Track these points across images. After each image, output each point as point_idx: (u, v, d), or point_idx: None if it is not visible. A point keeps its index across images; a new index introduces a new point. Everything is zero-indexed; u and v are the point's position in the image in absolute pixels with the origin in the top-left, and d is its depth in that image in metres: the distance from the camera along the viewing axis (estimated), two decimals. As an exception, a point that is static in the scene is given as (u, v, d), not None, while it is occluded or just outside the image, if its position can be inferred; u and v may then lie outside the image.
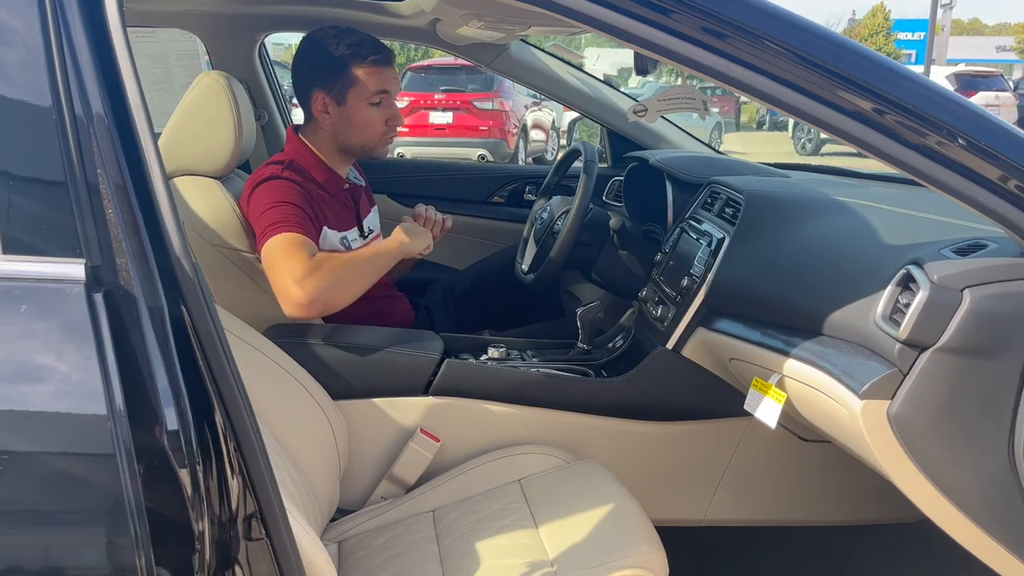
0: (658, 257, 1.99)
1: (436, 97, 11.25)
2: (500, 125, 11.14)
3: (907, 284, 1.20)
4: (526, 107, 12.12)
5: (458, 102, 11.21)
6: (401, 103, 11.10)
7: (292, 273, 1.68)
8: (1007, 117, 14.63)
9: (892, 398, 1.18)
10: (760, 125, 21.15)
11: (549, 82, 2.49)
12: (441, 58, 11.75)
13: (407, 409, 1.75)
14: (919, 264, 1.18)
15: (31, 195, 0.90)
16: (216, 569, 0.93)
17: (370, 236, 2.09)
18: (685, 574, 1.62)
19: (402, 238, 1.89)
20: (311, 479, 1.57)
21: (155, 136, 0.95)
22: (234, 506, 0.97)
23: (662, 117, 2.58)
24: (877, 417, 1.19)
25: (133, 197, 0.92)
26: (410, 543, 1.54)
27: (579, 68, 2.59)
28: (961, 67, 18.13)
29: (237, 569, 0.95)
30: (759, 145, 16.20)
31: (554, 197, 2.25)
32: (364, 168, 2.25)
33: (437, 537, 1.54)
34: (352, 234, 2.01)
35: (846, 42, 1.11)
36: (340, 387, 1.72)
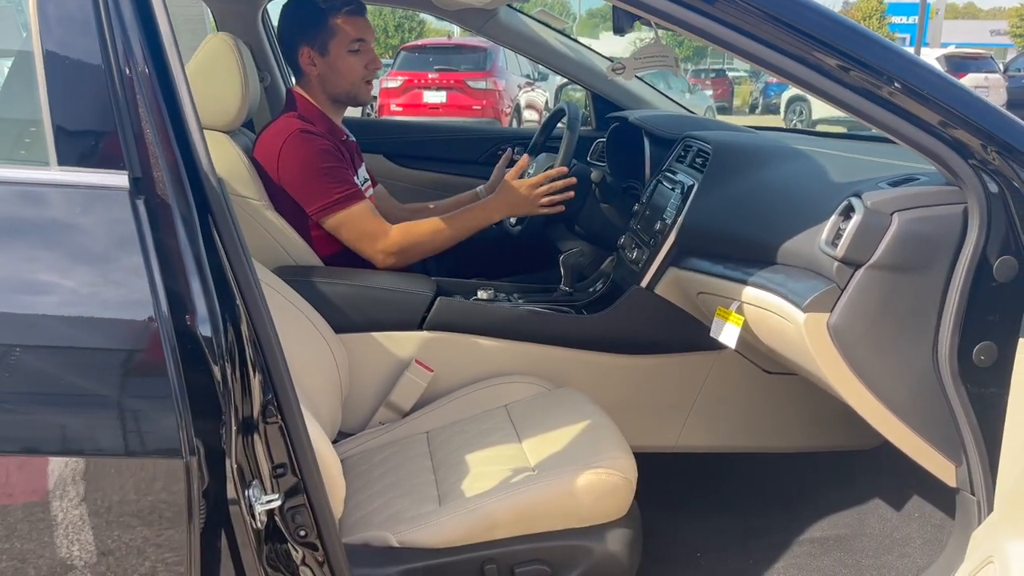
0: (636, 207, 2.14)
1: (430, 76, 11.38)
2: (493, 104, 11.28)
3: (848, 213, 1.35)
4: (519, 87, 12.25)
5: (452, 81, 11.33)
6: (395, 82, 11.34)
7: (379, 245, 1.99)
8: (996, 98, 14.78)
9: (831, 311, 1.33)
10: (753, 108, 21.28)
11: (537, 47, 2.63)
12: (435, 38, 11.86)
13: (403, 342, 1.90)
14: (858, 195, 1.33)
15: (84, 116, 1.05)
16: (240, 441, 1.08)
17: (365, 184, 2.23)
18: (657, 495, 1.78)
19: (501, 206, 2.07)
20: (316, 404, 1.72)
21: (186, 75, 1.10)
22: (255, 393, 1.12)
23: (642, 80, 2.73)
24: (818, 328, 1.34)
25: (168, 121, 1.07)
26: (406, 458, 1.70)
27: (564, 34, 2.73)
28: (951, 49, 18.27)
29: (257, 441, 1.10)
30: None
31: (540, 154, 2.40)
32: (359, 129, 2.39)
33: (431, 453, 1.70)
34: (355, 179, 2.16)
35: (813, 5, 1.26)
36: (342, 321, 1.86)
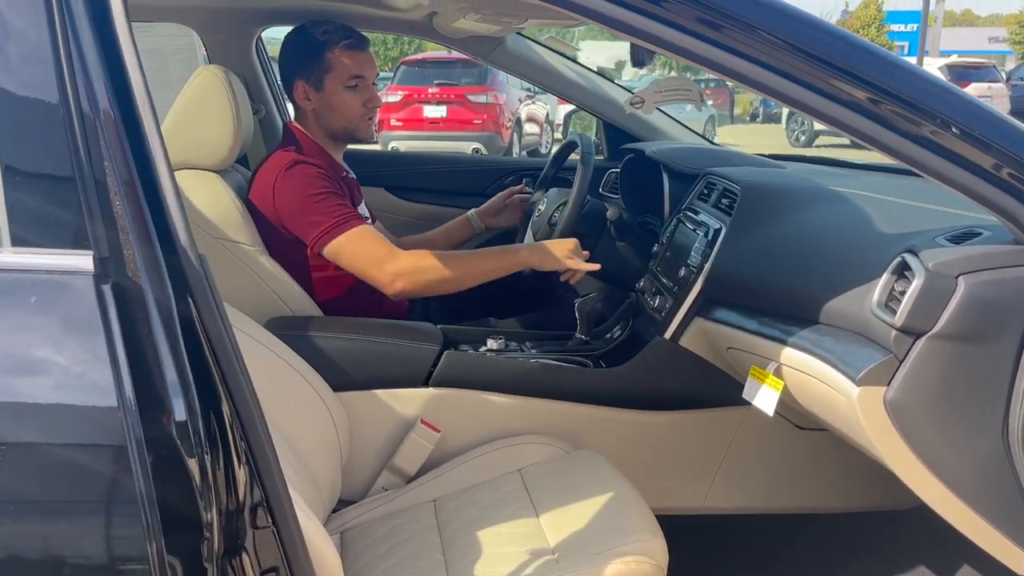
0: (655, 248, 2.01)
1: (430, 91, 11.25)
2: (494, 119, 11.15)
3: (902, 272, 1.21)
4: (520, 100, 12.13)
5: (452, 96, 11.21)
6: (395, 97, 11.24)
7: (387, 267, 1.82)
8: (1000, 107, 14.65)
9: (888, 384, 1.19)
10: (754, 118, 21.19)
11: (545, 75, 2.50)
12: (434, 52, 11.75)
13: (407, 400, 1.76)
14: (914, 252, 1.19)
15: (39, 189, 0.91)
16: (224, 556, 0.94)
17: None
18: (684, 561, 1.64)
19: (532, 255, 1.92)
20: (313, 470, 1.58)
21: (161, 131, 0.97)
22: (241, 495, 0.98)
23: (657, 109, 2.60)
24: (874, 403, 1.20)
25: (140, 191, 0.93)
26: (412, 532, 1.56)
27: (574, 61, 2.60)
28: (954, 58, 18.19)
29: (244, 556, 0.96)
30: (753, 137, 16.23)
31: (551, 189, 2.27)
32: (358, 161, 2.27)
33: (439, 527, 1.56)
34: None
35: (838, 31, 1.12)
36: (341, 379, 1.73)
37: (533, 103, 12.81)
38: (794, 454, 1.85)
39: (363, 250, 1.85)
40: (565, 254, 1.90)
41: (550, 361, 1.84)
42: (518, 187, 2.33)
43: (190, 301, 0.95)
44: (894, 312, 1.18)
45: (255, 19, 2.45)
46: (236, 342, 1.00)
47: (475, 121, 11.12)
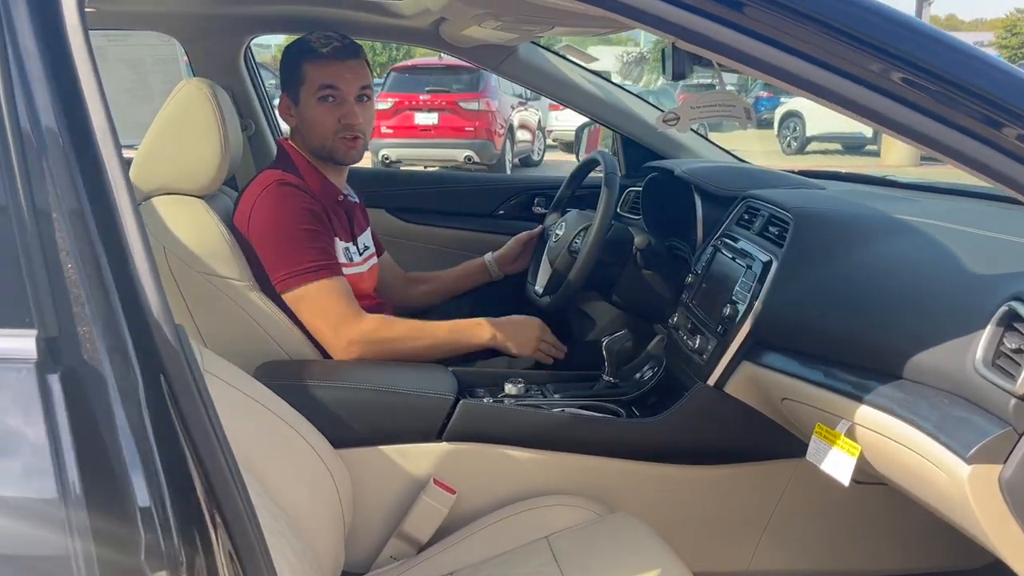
0: (689, 279, 1.81)
1: (421, 98, 11.06)
2: (486, 126, 10.96)
3: (1010, 324, 1.02)
4: (512, 107, 11.95)
5: (443, 102, 11.02)
6: (385, 104, 11.05)
7: (345, 332, 1.69)
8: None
9: (1005, 462, 1.00)
10: (744, 123, 21.00)
11: (560, 86, 2.30)
12: (425, 58, 11.57)
13: (418, 457, 1.56)
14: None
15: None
16: None
17: (365, 253, 1.93)
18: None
19: (503, 331, 1.82)
20: (312, 540, 1.37)
21: (125, 163, 0.76)
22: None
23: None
24: (986, 483, 1.01)
25: (98, 244, 0.73)
26: (427, 615, 1.35)
27: (593, 72, 2.40)
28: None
29: None
30: (744, 143, 16.04)
31: (569, 212, 2.07)
32: (359, 181, 2.07)
33: (458, 607, 1.36)
34: (350, 247, 1.86)
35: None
36: (342, 434, 1.52)
37: (525, 110, 12.64)
38: (849, 510, 1.66)
39: (326, 307, 1.68)
40: (533, 338, 1.83)
41: (578, 410, 1.64)
42: (536, 230, 2.14)
43: (163, 385, 0.75)
44: (1009, 375, 0.99)
45: (243, 27, 2.24)
46: (223, 434, 0.80)
47: (467, 128, 10.93)
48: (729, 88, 1.50)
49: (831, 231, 1.49)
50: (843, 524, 1.67)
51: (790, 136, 16.45)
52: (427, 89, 11.09)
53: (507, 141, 11.46)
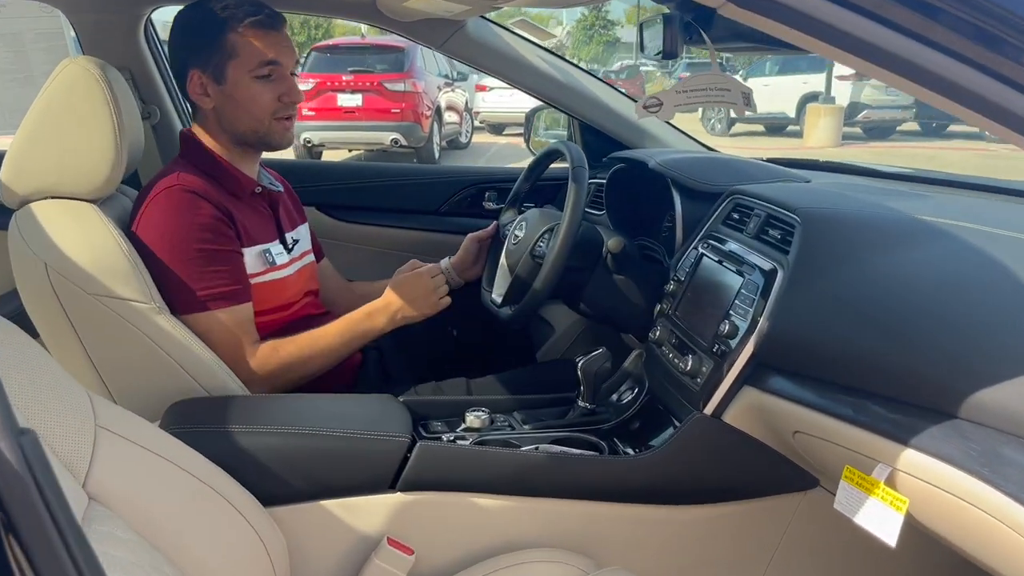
0: (671, 287, 1.59)
1: (344, 79, 10.65)
2: (413, 107, 10.62)
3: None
4: (439, 88, 11.62)
5: (367, 83, 10.64)
6: (306, 85, 10.63)
7: (242, 368, 1.49)
8: (905, 96, 14.90)
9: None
10: (668, 105, 21.05)
11: (514, 67, 2.05)
12: (347, 37, 11.11)
13: (367, 512, 1.31)
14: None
15: None
16: None
17: (294, 249, 1.66)
18: None
19: (395, 305, 1.63)
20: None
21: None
22: None
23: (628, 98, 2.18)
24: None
25: None
26: None
27: (549, 51, 2.15)
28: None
29: None
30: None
31: (529, 210, 1.83)
32: (286, 176, 1.79)
33: None
34: (275, 247, 1.59)
35: None
36: (273, 489, 1.26)
37: (452, 91, 12.32)
38: (858, 543, 1.47)
39: (217, 343, 1.47)
40: (430, 291, 1.66)
41: (554, 445, 1.41)
42: (490, 228, 1.90)
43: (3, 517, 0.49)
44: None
45: (143, -5, 1.92)
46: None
47: (393, 110, 10.58)
48: (721, 71, 1.29)
49: (848, 236, 1.28)
50: (852, 559, 1.49)
51: (715, 118, 16.52)
52: (350, 70, 10.69)
53: (434, 123, 11.13)
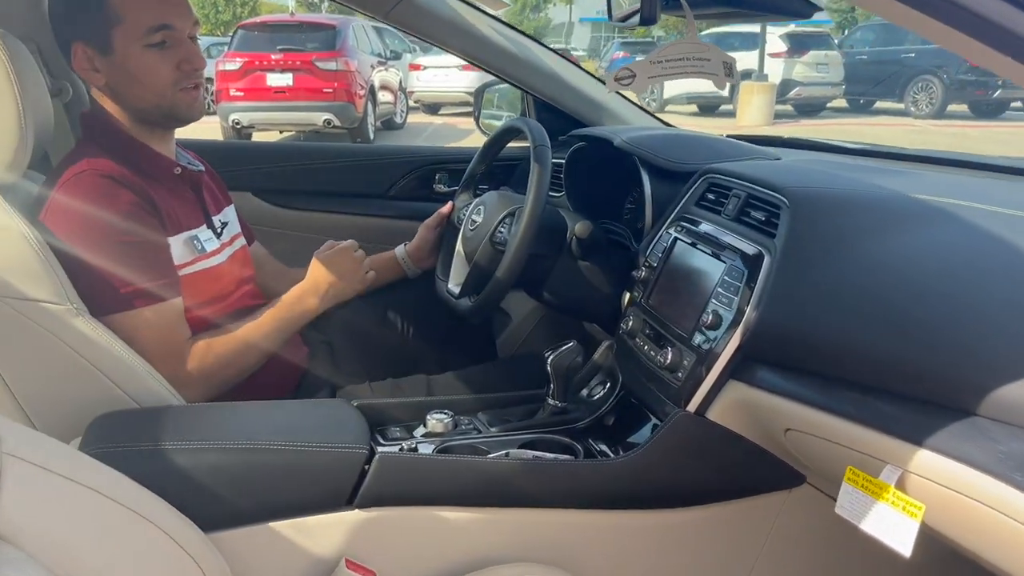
0: (641, 274, 1.49)
1: (273, 57, 10.30)
2: (346, 87, 10.33)
3: None
4: (372, 67, 11.32)
5: (298, 62, 10.31)
6: (233, 64, 10.29)
7: (174, 371, 1.34)
8: (835, 75, 15.17)
9: None
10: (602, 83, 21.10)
11: (464, 38, 1.91)
12: (274, 14, 10.73)
13: (322, 533, 1.17)
14: None
15: None
16: None
17: (224, 233, 1.51)
18: None
19: (324, 282, 1.54)
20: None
21: None
22: None
23: (595, 79, 2.07)
24: None
25: None
26: None
27: (502, 20, 2.01)
28: (792, 28, 18.71)
29: None
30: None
31: (487, 194, 1.70)
32: (215, 158, 1.63)
33: None
34: (203, 232, 1.43)
35: None
36: (214, 512, 1.12)
37: (386, 70, 12.04)
38: (844, 540, 1.40)
39: (144, 346, 1.31)
40: (356, 265, 1.61)
41: (526, 451, 1.30)
42: (445, 209, 1.77)
43: None
44: None
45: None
46: None
47: (325, 90, 10.28)
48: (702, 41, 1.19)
49: (842, 217, 1.19)
50: (838, 557, 1.42)
51: (648, 98, 16.55)
52: (279, 48, 10.35)
53: (369, 103, 10.85)
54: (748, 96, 14.14)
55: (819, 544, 1.40)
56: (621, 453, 1.33)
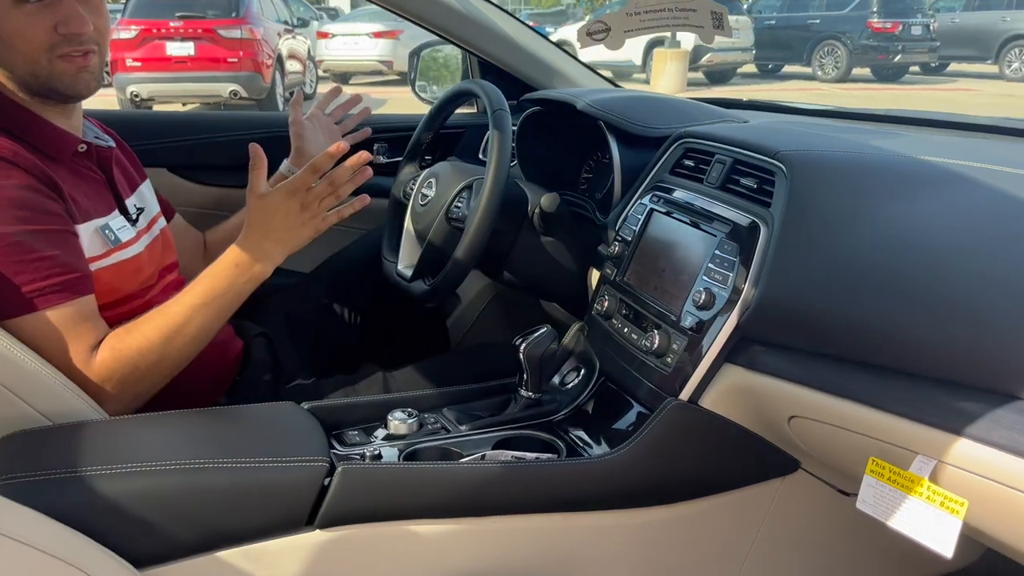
0: (613, 249, 1.37)
1: (172, 25, 9.73)
2: (252, 56, 9.84)
3: None
4: (279, 35, 10.84)
5: (199, 30, 9.77)
6: (128, 32, 9.69)
7: (90, 379, 1.13)
8: (745, 39, 15.36)
9: None
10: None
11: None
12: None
13: (281, 559, 1.02)
14: None
15: None
16: None
17: (140, 218, 1.31)
18: None
19: (269, 240, 1.21)
20: None
21: None
22: None
23: (543, 38, 1.92)
24: None
25: None
26: None
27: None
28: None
29: None
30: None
31: (437, 165, 1.55)
32: (123, 131, 1.43)
33: None
34: (115, 220, 1.24)
35: None
36: (149, 546, 0.96)
37: (293, 38, 11.54)
38: (839, 526, 1.33)
39: (50, 351, 1.10)
40: (313, 203, 1.20)
41: (505, 453, 1.16)
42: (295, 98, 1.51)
43: None
44: None
45: None
46: None
47: (230, 59, 9.78)
48: None
49: (847, 183, 1.09)
50: (833, 544, 1.35)
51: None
52: (178, 15, 9.78)
53: (276, 73, 10.39)
54: (662, 64, 14.16)
55: (813, 531, 1.32)
56: (604, 444, 1.21)
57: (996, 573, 1.05)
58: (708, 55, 14.76)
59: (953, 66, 15.17)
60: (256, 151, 1.20)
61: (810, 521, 1.31)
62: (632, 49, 15.17)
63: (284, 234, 1.20)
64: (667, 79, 14.10)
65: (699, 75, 14.96)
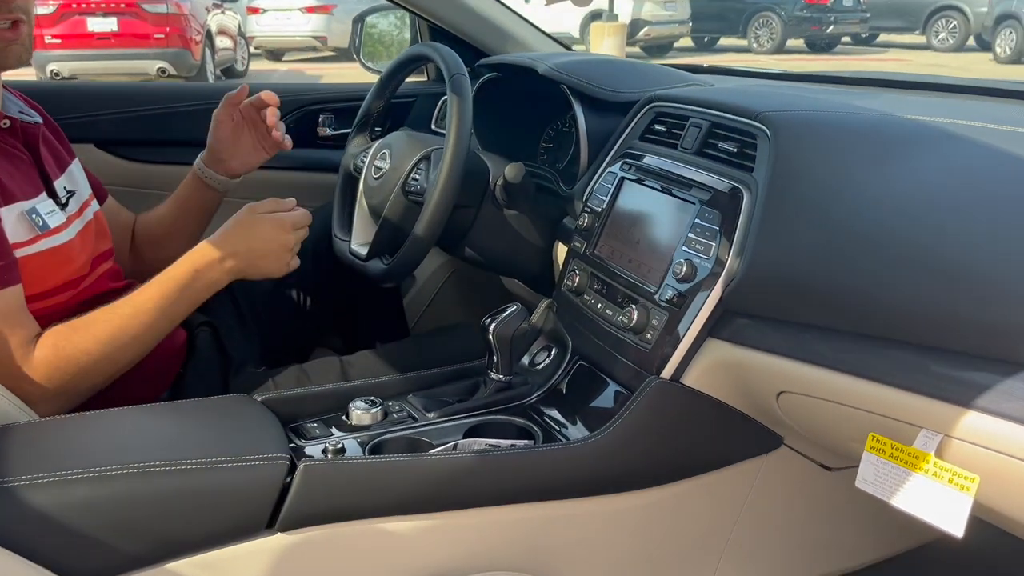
0: (583, 221, 1.30)
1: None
2: (180, 32, 9.48)
3: None
4: (207, 10, 10.45)
5: (122, 5, 9.35)
6: (47, 8, 9.22)
7: (19, 378, 1.05)
8: (682, 11, 15.38)
9: None
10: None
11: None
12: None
13: (240, 566, 0.93)
14: None
15: None
16: None
17: (70, 202, 1.20)
18: None
19: (238, 261, 1.20)
20: None
21: None
22: None
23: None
24: None
25: None
26: None
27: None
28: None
29: None
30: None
31: (391, 135, 1.45)
32: (47, 105, 1.30)
33: None
34: (43, 204, 1.12)
35: None
36: (90, 560, 0.86)
37: (222, 13, 11.14)
38: (823, 503, 1.30)
39: None
40: (287, 252, 1.23)
41: (478, 441, 1.09)
42: (239, 93, 1.38)
43: None
44: None
45: None
46: None
47: (156, 35, 9.40)
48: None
49: (835, 145, 1.03)
50: (816, 521, 1.31)
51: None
52: (98, -13, 9.34)
53: (206, 49, 10.03)
54: (600, 38, 14.11)
55: (795, 507, 1.29)
56: (581, 425, 1.15)
57: (972, 544, 1.02)
58: (646, 28, 14.76)
59: (883, 37, 15.47)
60: (304, 214, 1.24)
61: (791, 498, 1.27)
62: (569, 21, 15.09)
63: (256, 258, 1.20)
64: (605, 52, 14.08)
65: (636, 49, 14.96)
